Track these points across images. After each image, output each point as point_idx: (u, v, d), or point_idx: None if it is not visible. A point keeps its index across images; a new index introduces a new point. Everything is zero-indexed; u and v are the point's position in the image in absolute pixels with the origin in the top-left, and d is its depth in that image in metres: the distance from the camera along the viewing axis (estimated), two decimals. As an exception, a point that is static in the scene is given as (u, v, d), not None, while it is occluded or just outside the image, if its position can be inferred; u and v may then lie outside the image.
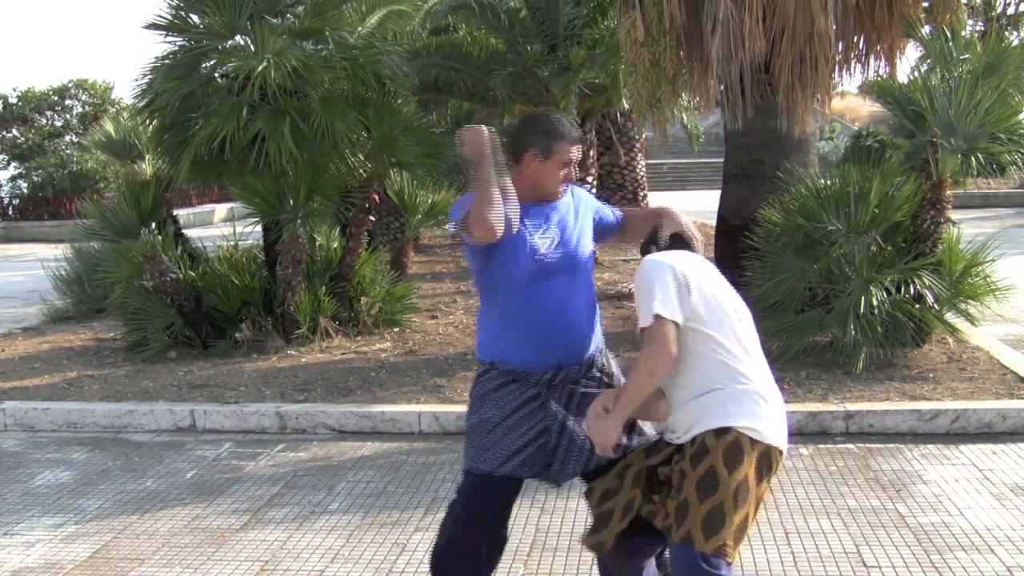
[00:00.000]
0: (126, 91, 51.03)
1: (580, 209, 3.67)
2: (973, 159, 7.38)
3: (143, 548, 4.71)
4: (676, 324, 3.12)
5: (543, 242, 3.50)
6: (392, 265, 9.84)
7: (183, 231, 9.68)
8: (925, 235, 7.42)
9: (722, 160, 9.11)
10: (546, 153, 3.49)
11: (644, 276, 3.22)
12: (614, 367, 3.67)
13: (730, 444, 3.11)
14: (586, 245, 3.61)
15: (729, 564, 3.12)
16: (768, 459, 3.16)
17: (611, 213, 3.82)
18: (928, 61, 9.37)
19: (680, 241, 3.55)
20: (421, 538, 4.69)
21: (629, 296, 10.21)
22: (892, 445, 5.85)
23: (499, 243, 3.41)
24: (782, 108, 7.86)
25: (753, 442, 3.13)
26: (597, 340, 3.64)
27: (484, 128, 3.37)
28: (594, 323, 3.62)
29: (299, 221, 8.25)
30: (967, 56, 8.21)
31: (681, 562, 3.15)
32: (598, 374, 3.59)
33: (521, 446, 3.48)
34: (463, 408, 6.35)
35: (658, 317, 3.10)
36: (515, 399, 3.51)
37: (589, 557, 4.40)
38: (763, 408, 3.18)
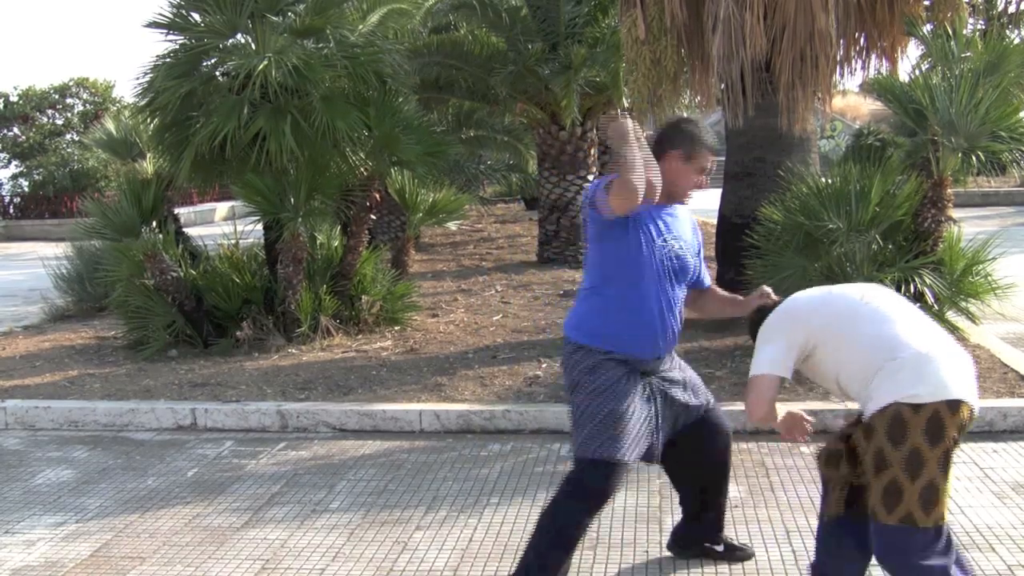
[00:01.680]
0: (127, 90, 51.04)
1: (695, 232, 4.03)
2: (974, 157, 7.37)
3: (144, 546, 4.71)
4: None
5: (669, 243, 3.81)
6: (393, 264, 9.84)
7: (184, 229, 9.68)
8: (926, 234, 7.42)
9: (723, 158, 9.10)
10: (688, 156, 3.79)
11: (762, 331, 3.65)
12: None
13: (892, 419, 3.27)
14: (694, 252, 3.99)
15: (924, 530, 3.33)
16: (939, 418, 3.26)
17: (704, 271, 4.16)
18: (929, 59, 9.38)
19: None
20: (422, 536, 4.69)
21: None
22: (893, 444, 5.84)
23: (638, 225, 3.69)
24: (783, 106, 7.85)
25: (915, 408, 3.25)
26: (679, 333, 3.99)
27: (628, 119, 3.53)
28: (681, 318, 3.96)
29: (300, 220, 8.25)
30: (968, 54, 8.21)
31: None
32: (677, 362, 4.04)
33: (642, 431, 3.77)
34: (464, 407, 6.39)
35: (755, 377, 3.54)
36: (633, 387, 3.76)
37: (591, 554, 4.40)
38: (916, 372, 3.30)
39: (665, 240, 3.80)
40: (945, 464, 3.30)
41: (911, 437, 3.25)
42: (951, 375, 3.29)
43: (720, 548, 4.30)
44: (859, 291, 3.60)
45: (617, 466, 3.70)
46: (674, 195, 3.83)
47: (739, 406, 6.23)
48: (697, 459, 4.12)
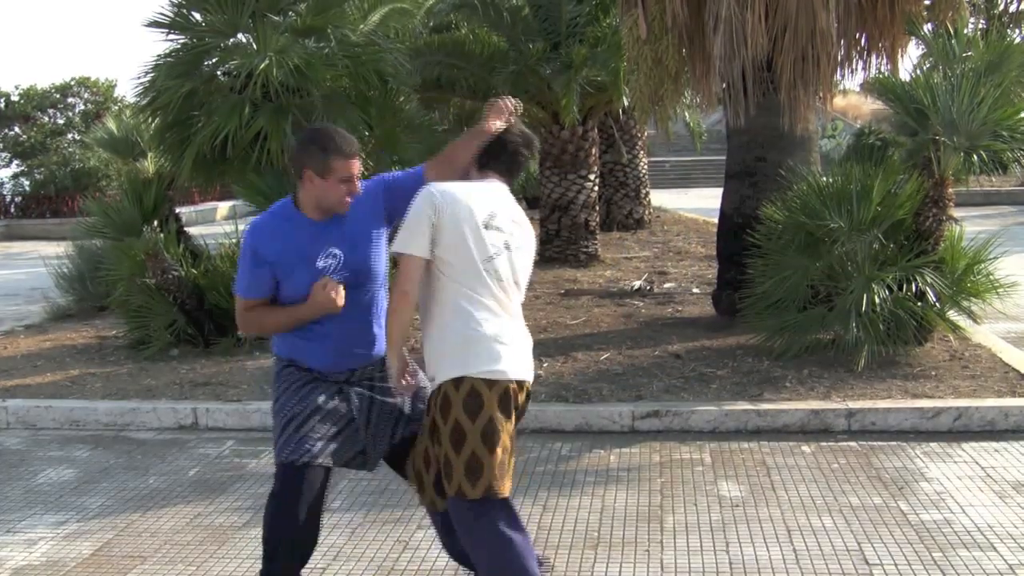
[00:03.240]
0: (128, 89, 51.02)
1: (368, 207, 3.71)
2: (975, 157, 7.37)
3: (145, 546, 4.71)
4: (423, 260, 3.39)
5: (325, 266, 3.64)
6: (393, 263, 9.82)
7: (185, 229, 9.68)
8: (927, 233, 7.42)
9: (724, 158, 9.10)
10: (324, 172, 3.55)
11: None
12: (411, 362, 3.77)
13: (468, 392, 3.37)
14: (373, 252, 3.76)
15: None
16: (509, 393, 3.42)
17: (405, 174, 3.85)
18: (930, 59, 9.38)
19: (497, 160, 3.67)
20: (423, 536, 4.69)
21: (631, 294, 10.22)
22: (894, 443, 5.85)
23: (281, 275, 3.66)
24: (784, 106, 7.86)
25: (491, 384, 3.37)
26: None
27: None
28: (383, 324, 3.77)
29: (301, 219, 8.24)
30: (969, 54, 8.21)
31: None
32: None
33: (332, 435, 3.69)
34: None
35: (398, 255, 3.43)
36: (320, 396, 3.71)
37: (592, 554, 4.41)
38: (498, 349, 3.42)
39: (327, 262, 3.66)
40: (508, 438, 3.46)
41: (485, 411, 3.41)
42: (511, 354, 3.49)
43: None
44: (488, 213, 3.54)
45: (301, 468, 3.64)
46: (330, 210, 3.64)
47: (741, 405, 6.25)
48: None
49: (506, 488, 3.43)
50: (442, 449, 3.43)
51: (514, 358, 3.47)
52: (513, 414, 3.47)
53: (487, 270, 3.44)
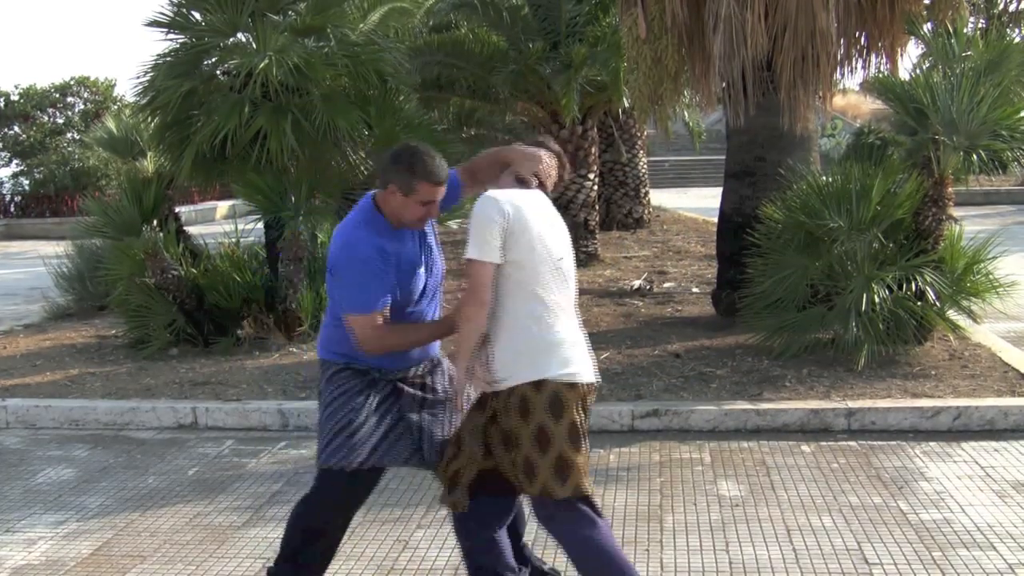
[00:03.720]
0: (128, 88, 50.98)
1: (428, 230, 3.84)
2: (975, 156, 7.37)
3: (145, 545, 4.71)
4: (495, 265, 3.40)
5: (417, 281, 3.72)
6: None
7: (185, 228, 9.67)
8: (927, 232, 7.42)
9: (724, 157, 9.10)
10: (407, 191, 3.59)
11: (472, 215, 3.46)
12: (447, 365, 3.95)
13: (551, 395, 3.40)
14: (439, 262, 3.88)
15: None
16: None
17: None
18: (930, 58, 9.36)
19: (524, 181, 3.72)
20: (423, 535, 4.69)
21: (630, 293, 10.21)
22: (894, 442, 5.85)
23: (405, 283, 3.68)
24: (784, 105, 7.86)
25: (571, 387, 3.43)
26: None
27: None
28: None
29: (301, 218, 8.24)
30: (969, 53, 8.20)
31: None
32: (442, 369, 3.93)
33: (383, 435, 3.71)
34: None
35: (470, 261, 3.40)
36: (375, 401, 3.73)
37: (591, 554, 4.40)
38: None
39: (417, 275, 3.75)
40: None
41: (568, 413, 3.47)
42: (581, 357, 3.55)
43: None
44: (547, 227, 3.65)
45: (354, 473, 3.69)
46: (405, 224, 3.68)
47: (741, 405, 6.25)
48: None
49: (589, 486, 3.50)
50: (520, 451, 3.44)
51: (586, 360, 3.55)
52: (586, 415, 3.55)
53: (556, 273, 3.52)
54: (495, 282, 3.43)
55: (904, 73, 8.46)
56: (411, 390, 3.81)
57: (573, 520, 3.48)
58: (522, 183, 3.67)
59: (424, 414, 3.81)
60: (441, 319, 3.79)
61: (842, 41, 7.85)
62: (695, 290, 10.38)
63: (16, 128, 27.56)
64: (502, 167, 3.77)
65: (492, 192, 3.52)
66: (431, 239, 3.84)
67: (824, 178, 7.80)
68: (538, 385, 3.42)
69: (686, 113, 17.79)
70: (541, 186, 3.73)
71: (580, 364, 3.50)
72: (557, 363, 3.44)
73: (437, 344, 3.88)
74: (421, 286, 3.75)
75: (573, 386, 3.45)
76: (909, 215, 7.39)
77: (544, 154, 3.75)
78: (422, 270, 3.75)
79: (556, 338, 3.46)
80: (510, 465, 3.53)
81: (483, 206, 3.45)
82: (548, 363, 3.43)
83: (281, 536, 4.71)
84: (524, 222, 3.45)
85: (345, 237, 3.65)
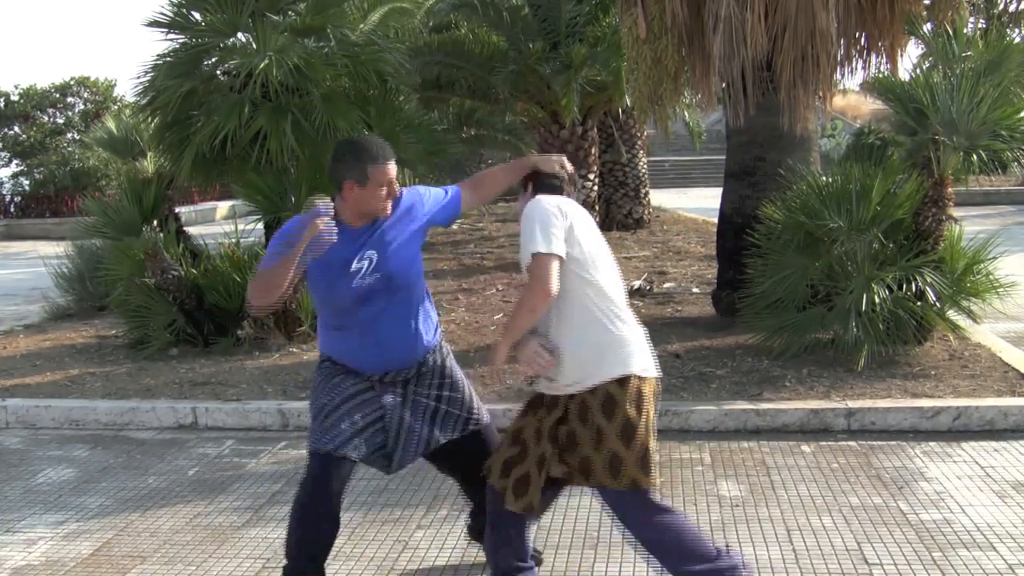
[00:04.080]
0: (128, 89, 51.02)
1: (410, 214, 3.88)
2: (975, 156, 7.36)
3: (145, 545, 4.71)
4: (560, 259, 3.41)
5: (358, 268, 3.74)
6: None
7: (185, 228, 9.68)
8: (927, 232, 7.41)
9: (724, 157, 9.10)
10: (363, 180, 3.67)
11: (526, 216, 3.49)
12: (450, 363, 4.05)
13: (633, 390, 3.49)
14: (408, 256, 3.85)
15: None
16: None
17: (444, 192, 4.02)
18: (930, 59, 9.37)
19: (552, 186, 3.76)
20: (423, 535, 4.69)
21: (630, 294, 10.22)
22: (894, 442, 5.85)
23: (317, 275, 3.75)
24: (784, 106, 7.85)
25: (643, 380, 3.54)
26: (428, 342, 3.94)
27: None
28: (420, 328, 3.90)
29: (301, 219, 8.23)
30: (969, 53, 8.20)
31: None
32: (430, 373, 3.96)
33: (359, 428, 3.79)
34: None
35: (537, 254, 3.38)
36: (351, 388, 3.84)
37: (592, 554, 4.41)
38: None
39: (360, 263, 3.75)
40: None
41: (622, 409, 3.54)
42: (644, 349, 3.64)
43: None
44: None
45: (325, 457, 3.75)
46: (372, 214, 3.76)
47: (740, 405, 6.25)
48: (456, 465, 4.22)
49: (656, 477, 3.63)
50: (605, 447, 3.49)
51: (650, 354, 3.66)
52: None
53: (613, 270, 3.62)
54: (561, 281, 3.45)
55: (904, 73, 8.47)
56: (392, 394, 3.87)
57: (651, 507, 3.59)
58: (551, 186, 3.72)
59: (404, 419, 3.87)
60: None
61: (842, 41, 7.85)
62: (695, 290, 10.38)
63: (16, 128, 27.57)
64: (520, 172, 3.87)
65: (541, 197, 3.59)
66: (388, 232, 3.80)
67: (824, 178, 7.79)
68: (622, 381, 3.49)
69: (686, 113, 17.81)
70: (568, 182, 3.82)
71: (650, 358, 3.64)
72: (636, 358, 3.55)
73: (420, 349, 3.90)
74: (353, 285, 3.73)
75: (645, 379, 3.57)
76: (909, 215, 7.39)
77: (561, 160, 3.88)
78: (360, 265, 3.73)
79: (632, 333, 3.58)
80: (577, 464, 3.57)
81: (536, 208, 3.49)
82: (629, 358, 3.53)
83: (282, 536, 4.72)
84: (582, 220, 3.55)
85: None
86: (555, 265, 3.40)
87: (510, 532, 3.76)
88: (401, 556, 4.49)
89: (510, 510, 3.64)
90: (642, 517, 3.60)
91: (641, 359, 3.57)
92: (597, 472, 3.52)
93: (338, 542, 4.62)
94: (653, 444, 3.57)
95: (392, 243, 3.80)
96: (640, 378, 3.54)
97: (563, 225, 3.44)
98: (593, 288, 3.51)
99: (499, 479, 3.69)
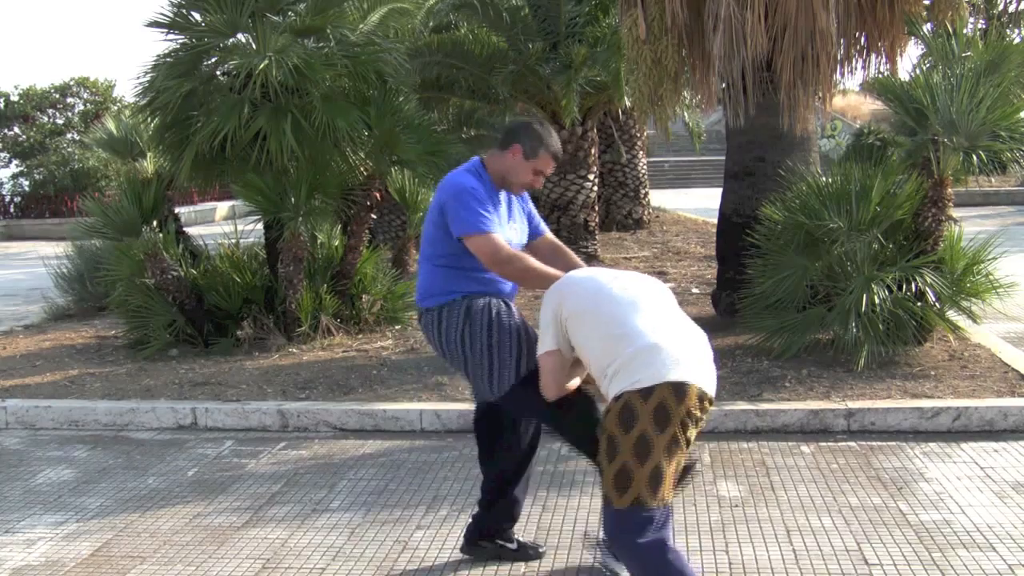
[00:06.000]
0: (128, 89, 51.04)
1: (522, 204, 4.36)
2: (975, 157, 7.37)
3: (144, 546, 4.71)
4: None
5: (514, 233, 4.17)
6: (394, 263, 9.83)
7: (184, 229, 9.67)
8: (927, 233, 7.42)
9: (724, 158, 9.10)
10: (527, 154, 4.10)
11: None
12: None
13: (622, 407, 3.42)
14: (529, 226, 4.37)
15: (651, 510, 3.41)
16: (664, 404, 3.38)
17: (538, 224, 4.45)
18: (930, 59, 9.37)
19: None
20: (423, 536, 4.69)
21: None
22: (894, 443, 5.85)
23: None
24: (784, 106, 7.86)
25: (644, 394, 3.39)
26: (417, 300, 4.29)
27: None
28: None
29: (300, 219, 8.25)
30: (968, 54, 8.21)
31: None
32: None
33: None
34: (465, 406, 6.37)
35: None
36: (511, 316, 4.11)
37: (592, 554, 4.40)
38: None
39: (512, 229, 4.17)
40: (671, 448, 3.40)
41: (639, 423, 3.38)
42: (676, 359, 3.44)
43: (513, 546, 4.37)
44: (611, 274, 3.83)
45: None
46: (508, 185, 4.17)
47: (740, 405, 6.25)
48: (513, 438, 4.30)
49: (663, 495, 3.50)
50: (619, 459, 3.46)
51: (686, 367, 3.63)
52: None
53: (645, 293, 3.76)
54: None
55: (904, 74, 8.47)
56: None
57: (650, 532, 3.42)
58: None
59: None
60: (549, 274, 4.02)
61: (842, 41, 7.85)
62: (695, 291, 10.39)
63: (16, 129, 27.59)
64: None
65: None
66: (526, 206, 4.36)
67: (824, 179, 7.80)
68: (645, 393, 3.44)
69: (686, 114, 17.81)
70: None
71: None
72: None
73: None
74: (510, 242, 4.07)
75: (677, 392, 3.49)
76: (909, 216, 7.39)
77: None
78: (514, 226, 4.17)
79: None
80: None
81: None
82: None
83: (281, 537, 4.73)
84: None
85: (451, 179, 4.07)
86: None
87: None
88: (401, 556, 4.49)
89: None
90: (636, 540, 3.41)
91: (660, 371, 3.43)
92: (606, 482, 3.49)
93: (338, 542, 4.64)
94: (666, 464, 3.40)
95: (527, 212, 4.35)
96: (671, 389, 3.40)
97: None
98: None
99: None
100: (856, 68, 8.27)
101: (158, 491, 5.47)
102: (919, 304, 7.18)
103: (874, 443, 5.86)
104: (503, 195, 4.18)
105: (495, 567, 4.32)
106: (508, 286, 4.14)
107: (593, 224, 13.16)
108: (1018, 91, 7.84)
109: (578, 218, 12.89)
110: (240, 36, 8.37)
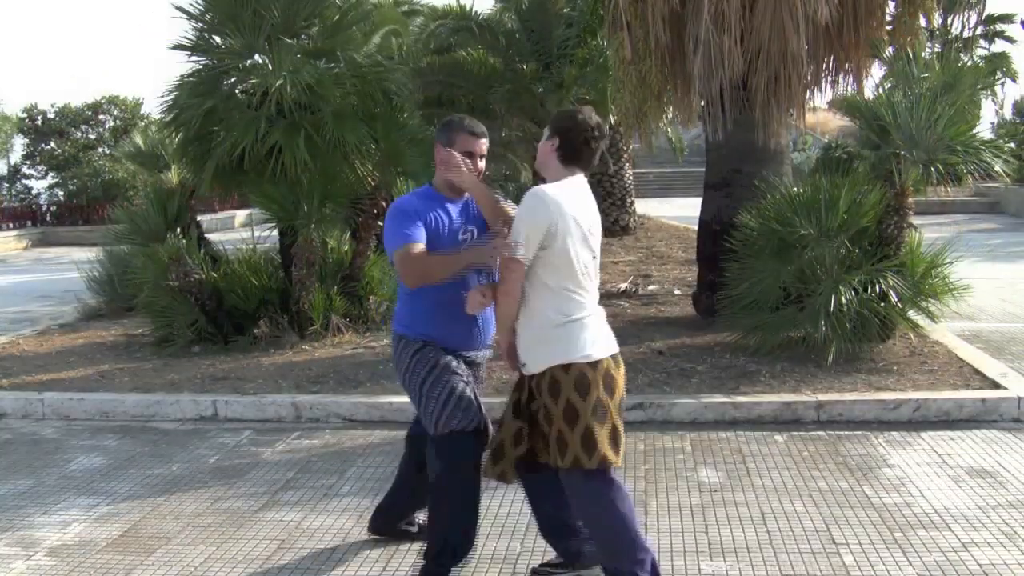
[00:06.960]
0: (154, 106, 50.88)
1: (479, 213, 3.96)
2: (933, 169, 7.39)
3: (169, 527, 4.71)
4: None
5: (464, 240, 3.85)
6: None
7: (206, 235, 9.66)
8: (889, 239, 7.43)
9: (704, 169, 9.11)
10: (448, 142, 3.81)
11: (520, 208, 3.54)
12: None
13: (578, 376, 3.45)
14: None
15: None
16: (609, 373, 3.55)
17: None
18: (892, 79, 9.39)
19: None
20: (425, 518, 4.67)
21: (617, 295, 10.22)
22: (859, 432, 5.85)
23: (433, 247, 3.73)
24: (758, 122, 7.87)
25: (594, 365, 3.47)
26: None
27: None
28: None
29: (312, 226, 8.24)
30: (927, 75, 8.22)
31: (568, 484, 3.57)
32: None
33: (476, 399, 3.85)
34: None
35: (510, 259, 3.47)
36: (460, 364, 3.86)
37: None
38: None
39: (464, 235, 3.85)
40: (619, 412, 3.61)
41: (593, 390, 3.52)
42: (608, 332, 3.68)
43: (414, 529, 4.39)
44: (587, 222, 3.64)
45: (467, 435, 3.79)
46: (455, 187, 3.84)
47: (719, 398, 6.25)
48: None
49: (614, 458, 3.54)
50: (554, 426, 3.50)
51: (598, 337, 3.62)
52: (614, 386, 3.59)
53: (584, 273, 3.55)
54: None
55: (868, 93, 8.49)
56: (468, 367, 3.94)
57: (597, 489, 3.53)
58: (567, 166, 3.61)
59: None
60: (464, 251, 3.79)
61: (812, 63, 7.86)
62: (677, 292, 10.39)
63: (52, 144, 27.54)
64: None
65: (540, 189, 3.53)
66: (479, 216, 3.92)
67: (795, 189, 7.80)
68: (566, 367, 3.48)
69: (668, 129, 17.79)
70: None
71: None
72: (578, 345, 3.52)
73: (491, 332, 3.93)
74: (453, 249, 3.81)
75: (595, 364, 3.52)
76: (873, 223, 7.40)
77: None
78: (464, 238, 3.84)
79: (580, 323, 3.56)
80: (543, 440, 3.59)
81: (532, 202, 3.47)
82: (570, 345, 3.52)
83: (295, 519, 4.72)
84: (567, 229, 3.49)
85: (392, 204, 3.86)
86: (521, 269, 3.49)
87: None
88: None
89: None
90: (589, 497, 3.55)
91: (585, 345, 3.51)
92: (551, 448, 3.54)
93: (347, 524, 4.64)
94: (599, 427, 3.49)
95: (481, 225, 3.90)
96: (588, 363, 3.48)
97: (541, 231, 3.42)
98: (550, 286, 3.50)
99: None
100: (825, 87, 8.29)
101: (182, 477, 5.46)
102: (883, 304, 7.18)
103: (841, 432, 5.86)
104: (455, 206, 3.86)
105: (492, 546, 4.32)
106: (466, 326, 3.85)
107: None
108: (971, 109, 7.86)
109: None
110: (257, 57, 8.39)
